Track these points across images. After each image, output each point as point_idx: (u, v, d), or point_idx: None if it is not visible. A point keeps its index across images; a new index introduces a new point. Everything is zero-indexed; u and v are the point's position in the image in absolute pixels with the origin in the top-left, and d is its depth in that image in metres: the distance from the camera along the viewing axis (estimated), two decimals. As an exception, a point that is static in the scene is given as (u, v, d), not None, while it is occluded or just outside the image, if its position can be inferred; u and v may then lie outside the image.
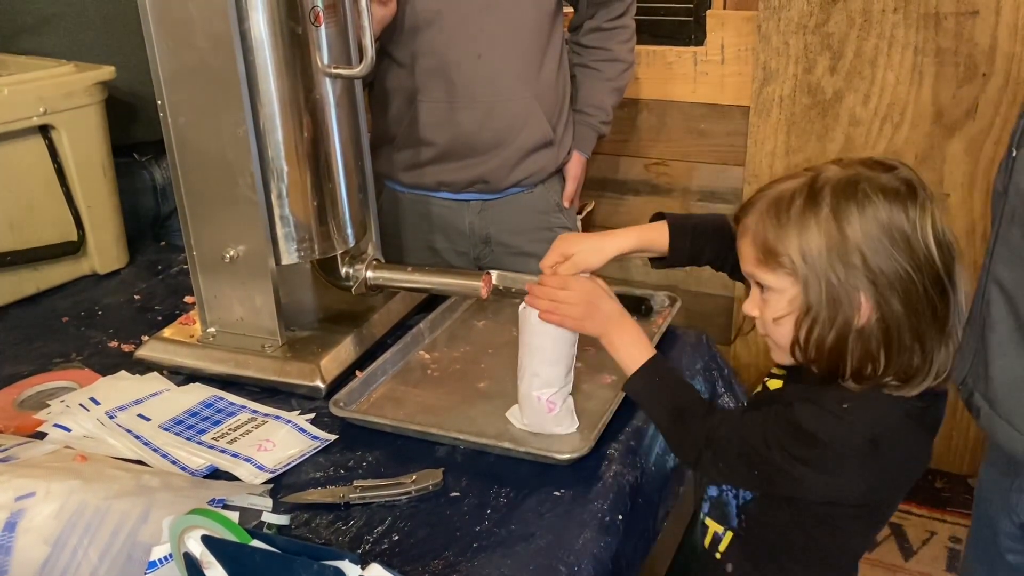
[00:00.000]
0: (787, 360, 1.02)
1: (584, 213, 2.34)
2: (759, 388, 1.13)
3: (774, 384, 1.11)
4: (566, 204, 1.74)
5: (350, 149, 1.32)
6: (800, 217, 0.94)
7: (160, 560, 0.85)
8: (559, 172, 1.74)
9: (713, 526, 1.11)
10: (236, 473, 1.07)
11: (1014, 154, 0.95)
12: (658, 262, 1.21)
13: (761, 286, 1.00)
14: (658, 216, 1.20)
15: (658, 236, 1.17)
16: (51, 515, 0.90)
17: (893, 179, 0.94)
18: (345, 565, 0.72)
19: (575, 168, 1.73)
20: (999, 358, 0.97)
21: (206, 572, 0.76)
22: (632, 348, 1.08)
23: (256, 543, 0.75)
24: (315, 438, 1.15)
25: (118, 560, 0.87)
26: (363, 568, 0.72)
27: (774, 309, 0.98)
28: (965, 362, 1.00)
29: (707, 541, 1.11)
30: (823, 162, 1.01)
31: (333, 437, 1.15)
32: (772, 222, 0.96)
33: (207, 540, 0.75)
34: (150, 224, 1.85)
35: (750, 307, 1.02)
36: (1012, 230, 0.95)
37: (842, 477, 0.96)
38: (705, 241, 1.18)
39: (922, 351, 0.95)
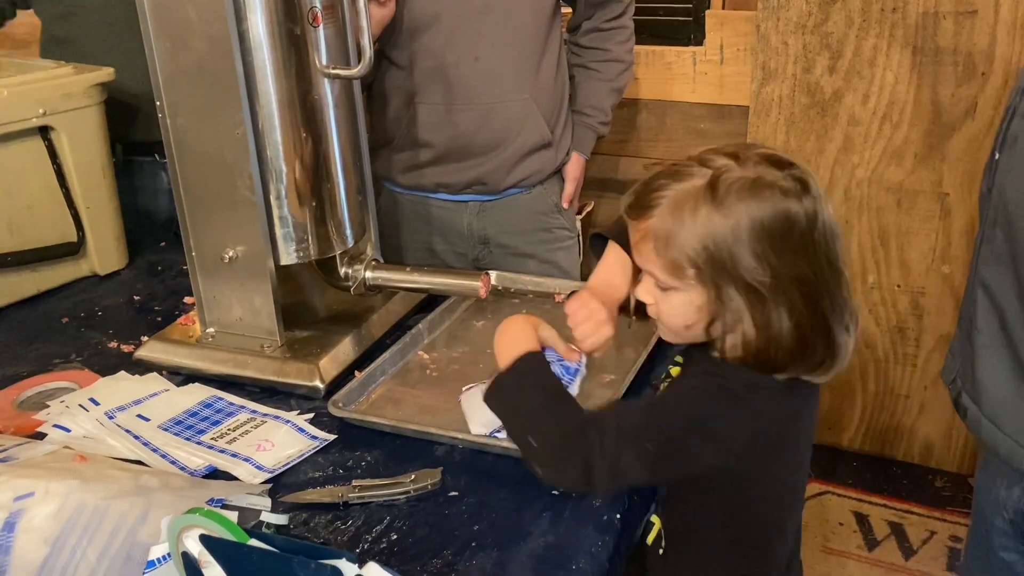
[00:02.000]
0: (679, 341, 1.01)
1: (583, 214, 2.34)
2: (665, 382, 1.09)
3: (676, 369, 1.08)
4: (565, 205, 1.74)
5: (349, 150, 1.33)
6: (705, 221, 0.90)
7: (159, 559, 0.85)
8: (558, 173, 1.74)
9: (657, 523, 1.10)
10: (235, 473, 1.08)
11: (997, 156, 0.95)
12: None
13: (660, 285, 0.96)
14: (596, 238, 1.18)
15: (628, 261, 1.12)
16: (50, 515, 0.90)
17: (789, 178, 0.91)
18: (342, 564, 0.72)
19: (574, 169, 1.73)
20: (984, 359, 0.97)
21: (204, 571, 0.77)
22: (508, 349, 1.00)
23: (254, 542, 0.75)
24: (314, 438, 1.15)
25: (117, 560, 0.87)
26: (360, 567, 0.72)
27: (677, 311, 0.95)
28: (955, 363, 1.01)
29: (651, 538, 1.10)
30: (708, 149, 0.97)
31: (332, 437, 1.15)
32: (675, 227, 0.91)
33: (205, 539, 0.75)
34: (163, 224, 1.85)
35: (645, 294, 0.98)
36: (995, 232, 0.95)
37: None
38: None
39: (828, 341, 0.93)
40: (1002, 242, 0.95)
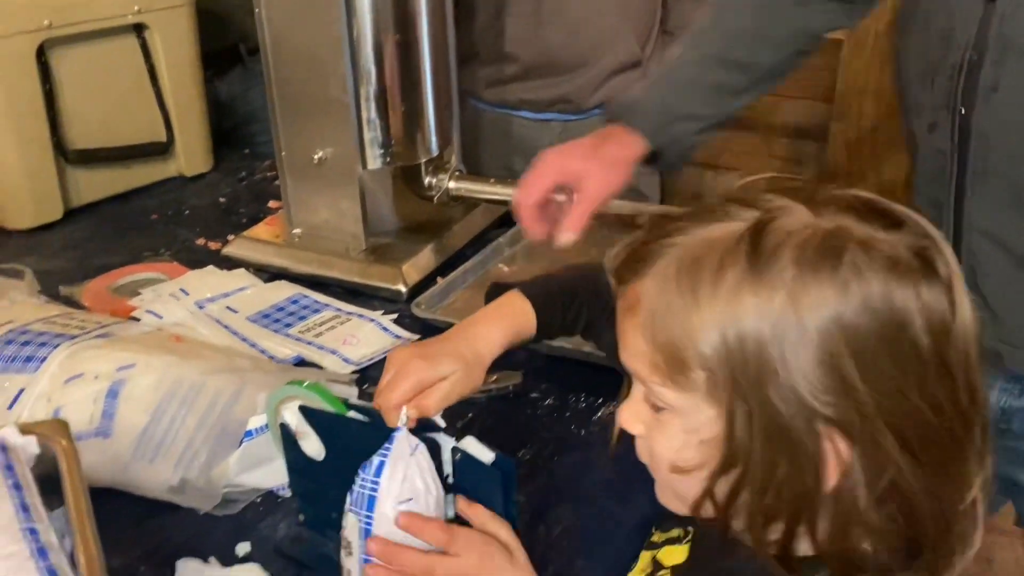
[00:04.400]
0: (684, 512, 0.64)
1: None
2: (646, 570, 0.73)
3: (674, 556, 0.70)
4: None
5: (437, 58, 1.32)
6: (733, 296, 0.54)
7: (256, 430, 0.88)
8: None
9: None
10: (322, 364, 1.10)
11: (963, 111, 0.90)
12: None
13: (653, 402, 0.61)
14: (497, 289, 0.90)
15: (524, 318, 0.85)
16: (150, 386, 0.93)
17: (900, 243, 0.55)
18: (440, 437, 0.73)
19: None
20: (999, 299, 0.93)
21: (301, 442, 0.79)
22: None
23: (352, 414, 0.77)
24: (398, 336, 1.17)
25: (213, 431, 0.90)
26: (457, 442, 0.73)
27: (674, 442, 0.60)
28: None
29: None
30: (766, 182, 0.61)
31: (416, 336, 1.17)
32: (682, 299, 0.56)
33: (304, 410, 0.77)
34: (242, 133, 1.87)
35: (630, 420, 0.64)
36: (988, 179, 0.91)
37: None
38: (581, 304, 0.88)
39: (940, 516, 0.57)
40: (1003, 188, 0.91)
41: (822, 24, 1.12)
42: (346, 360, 1.11)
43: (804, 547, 0.59)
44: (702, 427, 0.57)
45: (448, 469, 0.74)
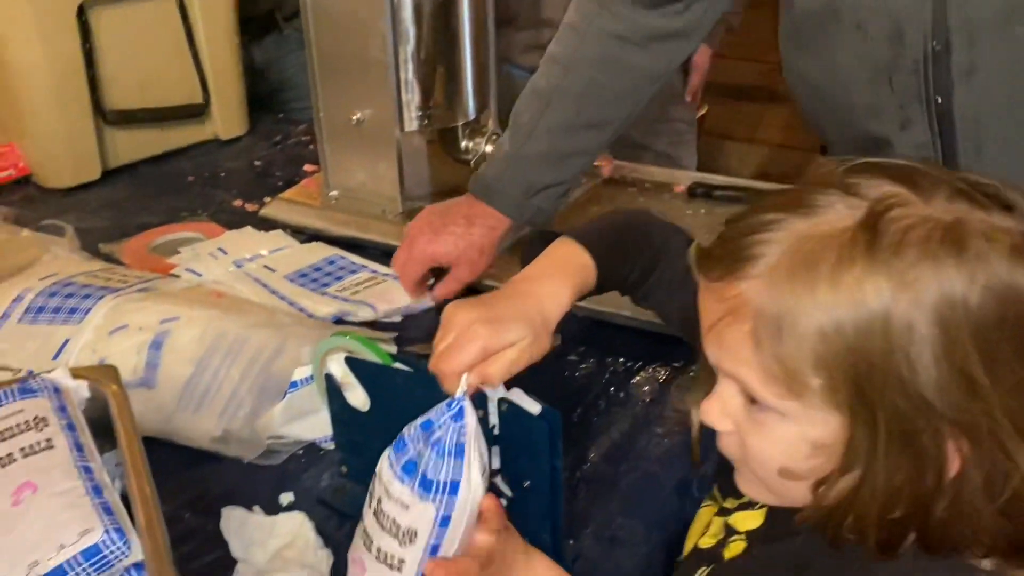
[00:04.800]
0: (773, 503, 0.64)
1: (699, 114, 2.28)
2: (718, 535, 0.71)
3: (748, 521, 0.69)
4: (688, 98, 1.70)
5: (476, 21, 1.31)
6: (854, 295, 0.52)
7: (301, 381, 0.88)
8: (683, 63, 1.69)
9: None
10: (358, 314, 1.11)
11: (940, 101, 0.88)
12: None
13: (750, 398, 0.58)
14: (543, 237, 0.85)
15: (586, 273, 0.79)
16: (194, 338, 0.94)
17: (1016, 228, 0.54)
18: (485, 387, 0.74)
19: (702, 59, 1.68)
20: None
21: (345, 393, 0.79)
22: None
23: (398, 366, 0.77)
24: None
25: (256, 384, 0.91)
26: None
27: (779, 448, 0.57)
28: None
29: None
30: (853, 166, 0.57)
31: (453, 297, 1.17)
32: (797, 301, 0.53)
33: (350, 361, 0.78)
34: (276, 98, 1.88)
35: (719, 418, 0.60)
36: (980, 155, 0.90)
37: None
38: (634, 261, 0.83)
39: None
40: (1000, 166, 0.90)
41: (664, 63, 1.10)
42: (373, 308, 1.12)
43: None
44: (817, 432, 0.55)
45: (494, 420, 0.74)
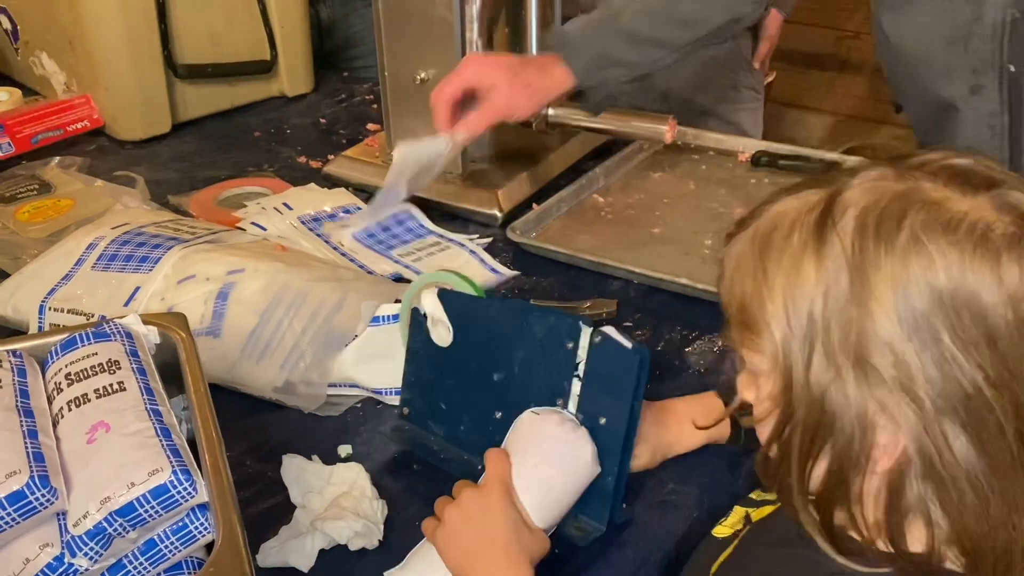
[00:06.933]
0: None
1: (767, 81, 2.23)
2: (736, 526, 0.71)
3: (763, 515, 0.70)
4: (756, 65, 1.66)
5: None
6: (794, 266, 0.54)
7: (383, 318, 0.91)
8: (752, 28, 1.66)
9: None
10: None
11: (1014, 69, 0.86)
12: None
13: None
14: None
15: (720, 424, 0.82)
16: (258, 290, 0.96)
17: (983, 208, 0.51)
18: (579, 322, 0.75)
19: (772, 26, 1.64)
20: None
21: (430, 327, 0.81)
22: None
23: None
24: (494, 270, 1.17)
25: (318, 336, 0.93)
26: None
27: (760, 399, 0.60)
28: None
29: None
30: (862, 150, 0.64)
31: (513, 273, 1.17)
32: (756, 266, 0.57)
33: (443, 294, 0.79)
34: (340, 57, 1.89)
35: (744, 386, 0.63)
36: None
37: None
38: None
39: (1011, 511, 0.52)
40: None
41: None
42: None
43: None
44: (767, 382, 0.58)
45: (582, 355, 0.75)
